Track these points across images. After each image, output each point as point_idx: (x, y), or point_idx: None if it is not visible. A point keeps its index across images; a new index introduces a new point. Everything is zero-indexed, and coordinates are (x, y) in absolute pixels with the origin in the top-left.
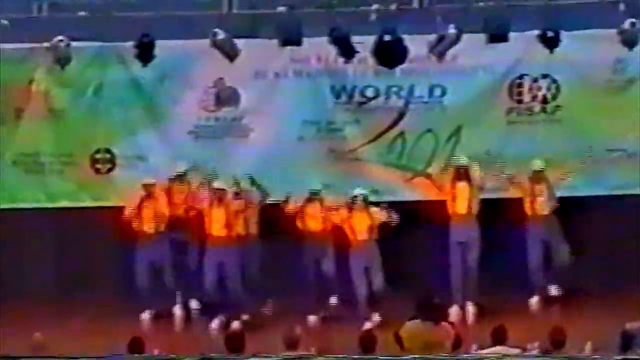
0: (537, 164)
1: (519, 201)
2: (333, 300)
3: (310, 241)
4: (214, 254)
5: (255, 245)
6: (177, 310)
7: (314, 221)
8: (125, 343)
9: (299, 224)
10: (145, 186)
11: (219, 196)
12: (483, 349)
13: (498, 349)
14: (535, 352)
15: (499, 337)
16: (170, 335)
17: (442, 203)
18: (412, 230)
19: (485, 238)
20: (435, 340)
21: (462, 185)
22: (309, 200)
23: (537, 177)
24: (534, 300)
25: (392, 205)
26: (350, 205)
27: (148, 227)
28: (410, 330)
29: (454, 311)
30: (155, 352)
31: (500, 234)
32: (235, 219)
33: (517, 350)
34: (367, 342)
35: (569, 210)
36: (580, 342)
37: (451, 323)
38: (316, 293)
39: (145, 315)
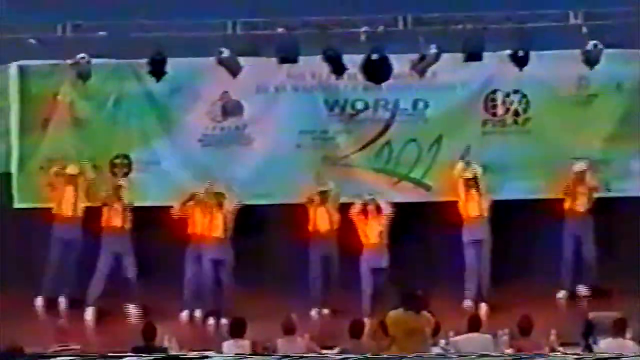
0: (580, 166)
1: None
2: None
3: (319, 240)
4: (211, 252)
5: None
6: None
7: (323, 222)
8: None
9: (309, 226)
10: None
11: (218, 200)
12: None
13: (473, 335)
14: (505, 338)
15: (473, 325)
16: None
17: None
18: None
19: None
20: (416, 327)
21: (473, 191)
22: (321, 200)
23: (579, 177)
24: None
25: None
26: (364, 210)
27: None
28: (394, 318)
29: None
30: (165, 341)
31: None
32: (231, 221)
33: (488, 336)
34: (356, 330)
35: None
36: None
37: (430, 312)
38: (319, 288)
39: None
